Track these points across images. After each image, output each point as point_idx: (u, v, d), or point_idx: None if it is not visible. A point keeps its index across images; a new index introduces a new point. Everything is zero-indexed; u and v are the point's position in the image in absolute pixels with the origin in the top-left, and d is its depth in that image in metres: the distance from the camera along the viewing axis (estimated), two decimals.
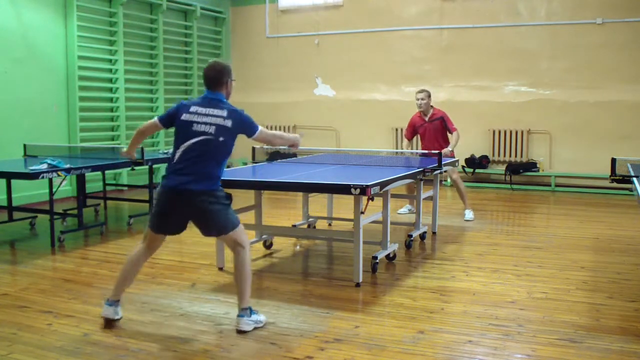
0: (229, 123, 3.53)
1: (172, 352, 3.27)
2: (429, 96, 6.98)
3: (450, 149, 6.80)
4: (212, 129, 3.48)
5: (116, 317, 3.68)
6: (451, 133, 6.97)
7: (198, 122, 3.49)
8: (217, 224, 3.54)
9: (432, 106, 7.05)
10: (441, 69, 10.07)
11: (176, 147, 3.54)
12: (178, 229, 3.67)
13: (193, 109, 3.55)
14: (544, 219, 7.60)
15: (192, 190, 3.45)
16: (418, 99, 6.95)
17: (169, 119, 3.64)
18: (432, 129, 6.97)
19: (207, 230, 3.61)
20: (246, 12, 11.56)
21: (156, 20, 9.99)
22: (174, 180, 3.48)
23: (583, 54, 9.23)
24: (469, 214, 7.03)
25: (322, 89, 11.02)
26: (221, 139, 3.50)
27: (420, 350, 3.29)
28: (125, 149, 4.11)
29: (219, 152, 3.54)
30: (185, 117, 3.53)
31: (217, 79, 3.62)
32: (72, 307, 4.01)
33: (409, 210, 7.29)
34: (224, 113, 3.54)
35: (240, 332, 3.50)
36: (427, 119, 7.00)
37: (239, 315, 3.55)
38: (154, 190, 3.61)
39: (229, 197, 3.61)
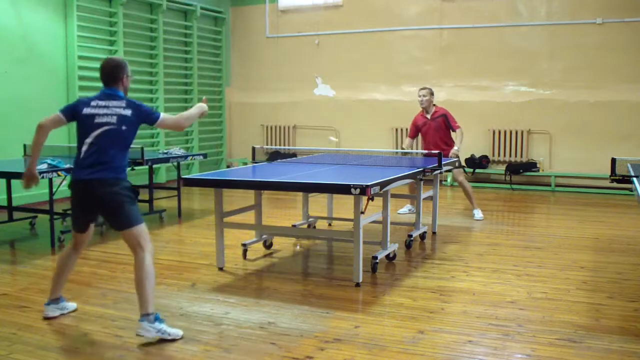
0: (128, 112, 3.58)
1: (172, 352, 3.27)
2: (432, 94, 7.02)
3: (458, 148, 6.85)
4: (113, 119, 3.55)
5: (65, 312, 3.83)
6: (454, 131, 7.00)
7: (100, 114, 3.56)
8: (118, 217, 3.54)
9: (434, 105, 7.07)
10: (441, 69, 10.08)
11: (81, 142, 3.59)
12: (87, 223, 3.75)
13: (94, 102, 3.61)
14: (544, 219, 7.60)
15: (98, 179, 3.50)
16: (420, 96, 6.99)
17: (71, 112, 3.65)
18: (434, 126, 6.98)
19: (113, 224, 3.65)
20: (246, 12, 11.57)
21: (156, 20, 9.99)
22: (80, 173, 3.54)
23: (583, 54, 9.23)
24: (478, 214, 7.08)
25: (322, 89, 11.02)
26: (123, 127, 3.55)
27: (420, 350, 3.29)
28: (26, 169, 3.85)
29: (121, 141, 3.59)
30: (86, 111, 3.58)
31: (112, 74, 3.66)
32: None
33: (409, 210, 7.30)
34: (123, 103, 3.60)
35: (140, 336, 3.37)
36: (429, 117, 7.02)
37: (139, 320, 3.41)
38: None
39: (135, 190, 3.63)
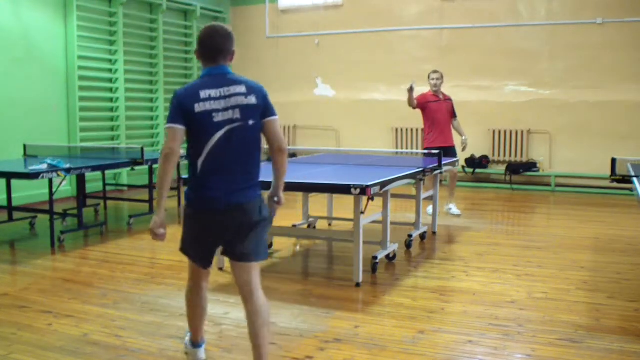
0: (253, 99, 2.78)
1: (172, 352, 3.27)
2: (443, 77, 7.21)
3: (466, 137, 7.24)
4: (237, 113, 2.74)
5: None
6: (455, 119, 7.31)
7: (218, 110, 2.71)
8: None
9: (442, 90, 7.27)
10: (441, 69, 10.01)
11: (198, 152, 2.73)
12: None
13: (204, 94, 2.71)
14: (544, 219, 7.60)
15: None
16: (433, 79, 7.13)
17: (184, 117, 2.70)
18: (446, 108, 7.20)
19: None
20: (246, 12, 11.56)
21: (156, 20, 9.99)
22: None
23: (583, 54, 9.23)
24: (454, 208, 7.32)
25: (322, 89, 11.02)
26: (251, 122, 2.77)
27: (420, 350, 3.29)
28: (154, 222, 2.79)
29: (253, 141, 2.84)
30: (199, 107, 2.69)
31: (226, 46, 2.82)
32: (72, 307, 4.01)
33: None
34: (243, 89, 2.78)
35: None
36: (441, 97, 7.19)
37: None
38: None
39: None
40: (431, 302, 4.10)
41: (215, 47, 2.79)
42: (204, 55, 2.82)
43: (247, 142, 2.77)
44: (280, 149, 2.86)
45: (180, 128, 2.69)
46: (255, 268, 2.87)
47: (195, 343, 3.14)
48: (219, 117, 2.70)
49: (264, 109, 2.81)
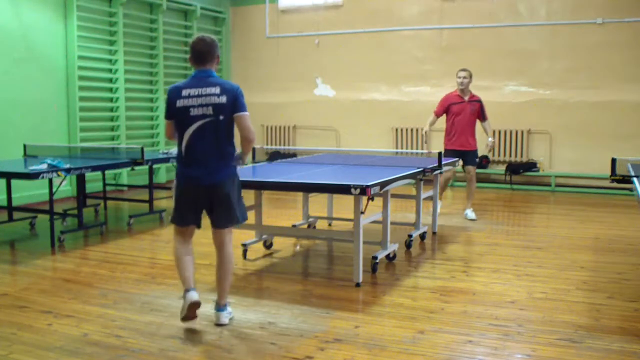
0: (224, 99, 3.46)
1: (172, 352, 3.27)
2: (471, 75, 6.94)
3: (492, 139, 6.99)
4: (209, 110, 3.46)
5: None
6: (484, 121, 7.06)
7: (194, 106, 3.46)
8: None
9: (470, 90, 7.00)
10: (441, 69, 10.06)
11: (181, 139, 3.54)
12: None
13: (185, 92, 3.48)
14: (544, 219, 7.60)
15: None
16: (460, 77, 6.89)
17: (170, 111, 3.55)
18: (470, 109, 6.91)
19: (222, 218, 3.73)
20: (246, 12, 11.56)
21: (156, 20, 9.99)
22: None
23: (583, 54, 9.23)
24: (471, 213, 7.11)
25: (322, 89, 11.02)
26: (221, 117, 3.46)
27: (420, 350, 3.29)
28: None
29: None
30: (179, 103, 3.48)
31: (208, 52, 3.53)
32: (72, 307, 4.01)
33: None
34: (217, 90, 3.47)
35: (219, 325, 3.66)
36: (466, 98, 6.94)
37: (217, 310, 3.71)
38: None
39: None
40: (431, 302, 4.10)
41: (201, 52, 3.52)
42: (193, 59, 3.57)
43: (218, 134, 3.49)
44: (247, 139, 3.54)
45: (168, 122, 3.60)
46: (227, 232, 3.69)
47: (187, 291, 3.61)
48: (194, 112, 3.45)
49: (233, 107, 3.47)
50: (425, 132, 7.10)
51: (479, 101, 6.97)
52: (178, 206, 3.66)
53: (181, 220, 3.69)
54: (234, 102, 3.46)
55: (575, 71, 9.31)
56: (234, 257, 3.76)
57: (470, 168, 7.03)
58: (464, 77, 6.87)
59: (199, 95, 3.45)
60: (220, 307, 3.69)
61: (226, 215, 3.62)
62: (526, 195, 9.10)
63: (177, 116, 3.50)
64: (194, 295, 3.56)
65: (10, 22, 7.69)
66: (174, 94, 3.50)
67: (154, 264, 5.14)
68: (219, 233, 3.68)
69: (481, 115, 7.03)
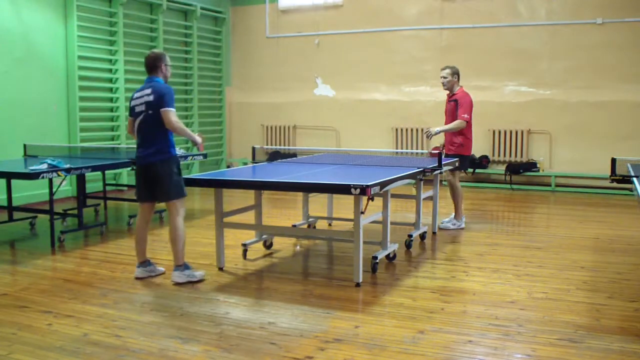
0: (151, 98, 4.43)
1: (172, 352, 3.27)
2: (453, 73, 6.40)
3: (437, 130, 6.23)
4: (144, 107, 4.46)
5: (153, 274, 4.70)
6: (458, 117, 6.26)
7: (138, 104, 4.52)
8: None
9: (461, 86, 6.50)
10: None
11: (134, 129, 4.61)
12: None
13: (136, 94, 4.58)
14: (544, 219, 7.60)
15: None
16: (441, 77, 6.46)
17: (130, 110, 4.64)
18: (449, 109, 6.47)
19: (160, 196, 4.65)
20: (246, 12, 11.57)
21: (156, 20, 9.99)
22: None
23: (583, 54, 9.23)
24: (459, 222, 6.51)
25: (322, 89, 11.02)
26: (150, 112, 4.43)
27: (420, 350, 3.29)
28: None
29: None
30: (132, 103, 4.58)
31: (152, 64, 4.60)
32: (72, 307, 4.01)
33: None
34: (150, 91, 4.46)
35: (174, 283, 4.48)
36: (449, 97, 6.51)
37: (173, 270, 4.56)
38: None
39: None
40: (431, 302, 4.10)
41: (148, 64, 4.65)
42: (146, 69, 4.66)
43: (151, 125, 4.46)
44: (172, 130, 4.51)
45: (130, 119, 4.66)
46: (170, 206, 4.51)
47: (142, 264, 4.66)
48: (138, 109, 4.51)
49: (158, 104, 4.42)
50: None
51: (455, 100, 6.34)
52: (136, 183, 4.68)
53: (137, 196, 4.64)
54: (159, 100, 4.40)
55: (575, 71, 9.31)
56: (182, 227, 4.51)
57: (446, 172, 6.29)
58: (443, 77, 6.41)
59: (140, 97, 4.52)
60: (175, 267, 4.51)
61: (160, 191, 4.51)
62: (526, 195, 9.10)
63: (131, 113, 4.58)
64: (136, 272, 4.65)
65: (10, 22, 7.69)
66: (131, 97, 4.63)
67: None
68: (166, 206, 4.56)
69: (456, 113, 6.32)
